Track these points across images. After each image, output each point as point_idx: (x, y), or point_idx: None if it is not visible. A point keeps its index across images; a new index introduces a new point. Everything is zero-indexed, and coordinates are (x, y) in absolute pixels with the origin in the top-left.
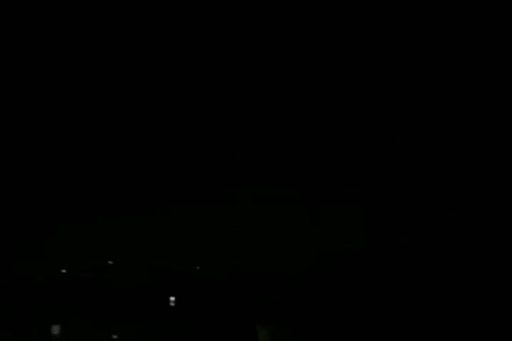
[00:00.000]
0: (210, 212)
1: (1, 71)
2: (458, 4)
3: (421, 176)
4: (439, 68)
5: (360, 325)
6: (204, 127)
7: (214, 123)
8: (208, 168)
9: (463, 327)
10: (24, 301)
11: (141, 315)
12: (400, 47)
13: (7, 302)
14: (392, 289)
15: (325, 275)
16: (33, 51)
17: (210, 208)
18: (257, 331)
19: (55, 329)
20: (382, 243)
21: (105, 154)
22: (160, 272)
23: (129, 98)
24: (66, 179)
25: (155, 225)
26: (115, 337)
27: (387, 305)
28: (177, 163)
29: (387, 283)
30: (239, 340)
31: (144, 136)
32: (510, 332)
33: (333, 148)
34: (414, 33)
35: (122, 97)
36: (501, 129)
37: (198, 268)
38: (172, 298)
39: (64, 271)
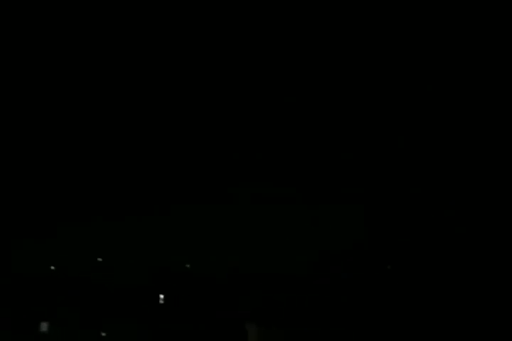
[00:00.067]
0: (210, 212)
1: (1, 71)
2: (458, 4)
3: (421, 176)
4: (439, 68)
5: (357, 324)
6: (204, 127)
7: (214, 123)
8: (208, 168)
9: (463, 327)
10: (13, 299)
11: (130, 313)
12: (400, 47)
13: None
14: (392, 289)
15: (324, 275)
16: (34, 51)
17: (210, 208)
18: (247, 329)
19: (44, 326)
20: (382, 243)
21: (105, 154)
22: (153, 270)
23: (129, 99)
24: (64, 179)
25: (154, 225)
26: (104, 334)
27: (386, 304)
28: (177, 163)
29: (386, 283)
30: (228, 338)
31: (144, 136)
32: (511, 332)
33: (333, 148)
34: (414, 34)
35: (122, 98)
36: (501, 129)
37: (187, 266)
38: (161, 296)
39: (53, 267)
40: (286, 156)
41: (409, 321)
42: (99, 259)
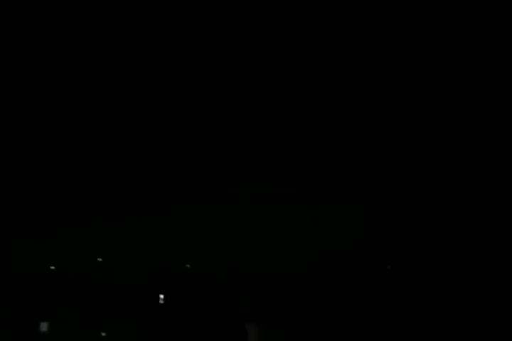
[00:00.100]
0: (210, 212)
1: (1, 71)
2: (458, 4)
3: (421, 176)
4: (439, 68)
5: (357, 324)
6: (204, 127)
7: (214, 123)
8: (208, 168)
9: (463, 327)
10: (13, 299)
11: (130, 313)
12: (400, 47)
13: None
14: (392, 289)
15: (324, 275)
16: (34, 52)
17: (210, 208)
18: (247, 329)
19: (44, 326)
20: (382, 243)
21: (105, 154)
22: (153, 270)
23: (129, 99)
24: (64, 179)
25: (154, 225)
26: (104, 334)
27: (386, 304)
28: (177, 163)
29: (386, 283)
30: (228, 338)
31: (144, 136)
32: (511, 332)
33: (333, 148)
34: (414, 34)
35: (122, 98)
36: (501, 129)
37: (188, 266)
38: (161, 296)
39: (53, 267)
40: (286, 156)
41: (409, 321)
42: (99, 259)
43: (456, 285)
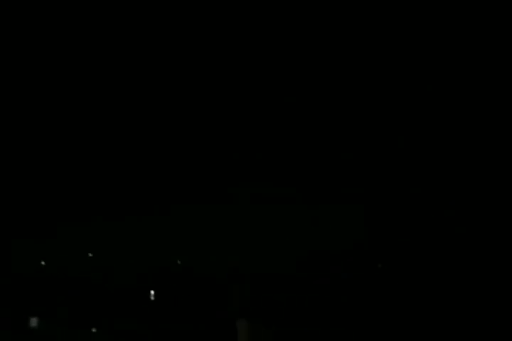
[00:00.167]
0: (210, 212)
1: (1, 71)
2: (458, 4)
3: (421, 176)
4: (439, 68)
5: (354, 324)
6: (204, 127)
7: (214, 123)
8: (208, 168)
9: (463, 327)
10: (1, 294)
11: (121, 309)
12: (400, 47)
13: None
14: (392, 289)
15: (324, 276)
16: (34, 52)
17: (210, 208)
18: (237, 326)
19: (33, 322)
20: (382, 243)
21: (105, 154)
22: (152, 270)
23: (129, 99)
24: (64, 179)
25: (154, 225)
26: (94, 330)
27: (385, 304)
28: (177, 163)
29: (386, 283)
30: (219, 335)
31: (144, 136)
32: (511, 332)
33: (333, 148)
34: (414, 34)
35: (122, 98)
36: (501, 129)
37: (179, 262)
38: (152, 292)
39: (43, 263)
40: (286, 156)
41: (407, 321)
42: (90, 255)
43: (457, 285)
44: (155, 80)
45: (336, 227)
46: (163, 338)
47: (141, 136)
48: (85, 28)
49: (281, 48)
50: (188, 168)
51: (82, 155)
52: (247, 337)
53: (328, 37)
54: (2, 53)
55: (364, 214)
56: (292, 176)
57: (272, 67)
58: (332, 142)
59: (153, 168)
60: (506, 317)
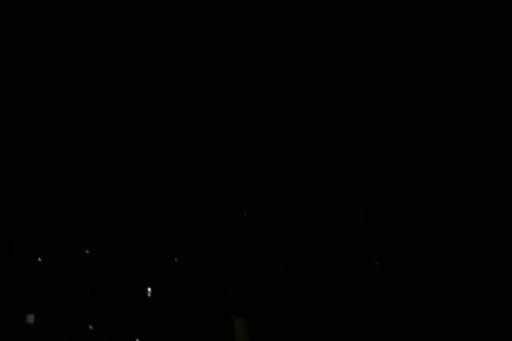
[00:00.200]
0: (210, 212)
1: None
2: (458, 4)
3: (421, 176)
4: (439, 68)
5: (347, 322)
6: (204, 127)
7: (214, 123)
8: (208, 168)
9: (463, 327)
10: None
11: (118, 306)
12: (400, 47)
13: None
14: (392, 289)
15: (324, 276)
16: (34, 51)
17: (210, 208)
18: (234, 324)
19: (30, 319)
20: (382, 243)
21: (104, 154)
22: (151, 270)
23: (128, 98)
24: (63, 178)
25: (153, 225)
26: (91, 327)
27: (386, 305)
28: (177, 163)
29: (386, 283)
30: (216, 333)
31: (144, 136)
32: (511, 332)
33: (333, 148)
34: (414, 33)
35: (121, 98)
36: (501, 129)
37: (176, 259)
38: (149, 289)
39: (39, 259)
40: (286, 156)
41: (407, 321)
42: (87, 252)
43: (457, 285)
44: (155, 80)
45: (336, 227)
46: (161, 336)
47: (140, 135)
48: (85, 28)
49: (281, 48)
50: (187, 168)
51: (82, 155)
52: (245, 336)
53: (328, 37)
54: (2, 53)
55: (364, 214)
56: (292, 176)
57: (272, 67)
58: (332, 142)
59: (153, 168)
60: (506, 317)
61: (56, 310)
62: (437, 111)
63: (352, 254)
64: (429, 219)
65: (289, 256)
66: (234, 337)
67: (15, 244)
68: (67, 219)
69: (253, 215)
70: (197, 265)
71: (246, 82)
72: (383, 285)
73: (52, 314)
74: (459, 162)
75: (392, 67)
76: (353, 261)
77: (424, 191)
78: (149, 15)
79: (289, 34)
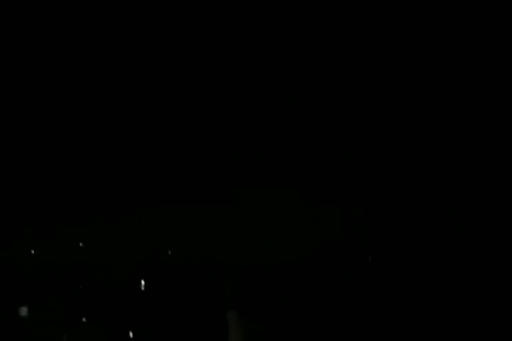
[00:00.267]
0: (210, 212)
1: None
2: (458, 4)
3: (421, 176)
4: (439, 68)
5: (342, 318)
6: (204, 127)
7: (214, 123)
8: (208, 167)
9: (463, 327)
10: None
11: (111, 299)
12: (400, 47)
13: None
14: (392, 289)
15: (324, 276)
16: (34, 51)
17: (210, 208)
18: (228, 319)
19: (23, 311)
20: (382, 243)
21: (104, 154)
22: (151, 270)
23: (128, 98)
24: (62, 177)
25: (153, 225)
26: (84, 319)
27: (386, 305)
28: (177, 162)
29: (386, 284)
30: (210, 327)
31: (144, 136)
32: (510, 332)
33: (333, 148)
34: (414, 34)
35: (121, 97)
36: (501, 129)
37: (169, 253)
38: (143, 283)
39: (32, 252)
40: (286, 156)
41: (407, 321)
42: (81, 244)
43: (457, 285)
44: (155, 80)
45: (336, 227)
46: (154, 329)
47: (140, 135)
48: (85, 28)
49: (281, 48)
50: (187, 168)
51: (81, 155)
52: (238, 330)
53: (327, 37)
54: (2, 53)
55: (364, 214)
56: (292, 176)
57: (271, 67)
58: (332, 142)
59: (153, 168)
60: (506, 317)
61: (48, 302)
62: (437, 111)
63: (352, 254)
64: (429, 219)
65: (289, 255)
66: (228, 333)
67: (14, 243)
68: (66, 217)
69: (253, 215)
70: (197, 265)
71: (246, 82)
72: (383, 285)
73: (47, 309)
74: (459, 162)
75: (392, 67)
76: (353, 261)
77: (424, 191)
78: (149, 15)
79: (289, 34)
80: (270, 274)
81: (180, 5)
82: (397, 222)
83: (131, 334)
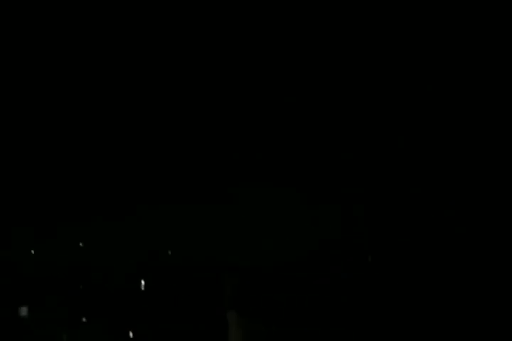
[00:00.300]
0: (210, 212)
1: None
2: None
3: (421, 176)
4: (439, 68)
5: (341, 317)
6: (204, 127)
7: (214, 123)
8: (208, 168)
9: (463, 328)
10: None
11: (112, 299)
12: (400, 47)
13: None
14: (392, 290)
15: (324, 275)
16: (34, 51)
17: (210, 208)
18: (228, 319)
19: (23, 311)
20: (382, 243)
21: (104, 154)
22: (149, 270)
23: (128, 98)
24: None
25: (153, 225)
26: (84, 319)
27: (386, 305)
28: (177, 162)
29: (386, 284)
30: (210, 327)
31: (144, 136)
32: (510, 332)
33: (333, 148)
34: (414, 34)
35: (121, 97)
36: (501, 129)
37: (169, 253)
38: (142, 282)
39: (32, 252)
40: (286, 156)
41: (407, 321)
42: (81, 244)
43: (457, 285)
44: (155, 80)
45: (336, 227)
46: (153, 329)
47: (140, 135)
48: (85, 28)
49: (281, 48)
50: (188, 168)
51: (81, 155)
52: (238, 330)
53: (327, 37)
54: (2, 53)
55: (364, 214)
56: (292, 176)
57: (271, 67)
58: (332, 142)
59: (153, 168)
60: (505, 316)
61: (48, 302)
62: (437, 111)
63: (352, 254)
64: (429, 219)
65: (289, 255)
66: (228, 333)
67: (14, 243)
68: (66, 217)
69: (253, 215)
70: (197, 265)
71: (246, 82)
72: (383, 285)
73: (47, 309)
74: (459, 162)
75: (392, 67)
76: (353, 261)
77: (424, 191)
78: (149, 15)
79: (288, 34)
80: (270, 274)
81: (180, 6)
82: (396, 222)
83: (131, 334)
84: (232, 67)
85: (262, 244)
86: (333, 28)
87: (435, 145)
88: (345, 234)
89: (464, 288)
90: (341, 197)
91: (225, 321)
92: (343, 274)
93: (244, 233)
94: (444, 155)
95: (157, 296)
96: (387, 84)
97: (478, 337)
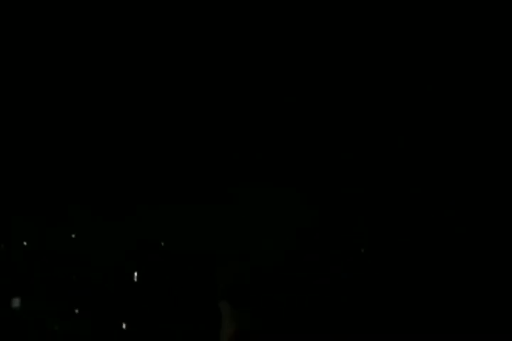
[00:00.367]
0: (210, 212)
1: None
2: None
3: (421, 176)
4: (439, 68)
5: (336, 312)
6: (204, 127)
7: (214, 123)
8: (208, 167)
9: (463, 328)
10: None
11: (104, 290)
12: (400, 47)
13: None
14: (392, 289)
15: (324, 276)
16: (33, 51)
17: (210, 208)
18: (221, 308)
19: (16, 302)
20: (382, 243)
21: (104, 154)
22: (149, 270)
23: (128, 98)
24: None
25: (153, 225)
26: (77, 311)
27: (386, 305)
28: (176, 162)
29: (386, 284)
30: (202, 317)
31: (144, 136)
32: (510, 332)
33: (333, 148)
34: (414, 34)
35: (121, 97)
36: (502, 129)
37: (162, 244)
38: (135, 274)
39: (25, 243)
40: (286, 156)
41: (407, 321)
42: (73, 235)
43: (457, 285)
44: (155, 80)
45: (335, 227)
46: (146, 319)
47: (140, 135)
48: (85, 28)
49: (281, 48)
50: (187, 168)
51: (81, 155)
52: (231, 319)
53: (327, 37)
54: (2, 53)
55: (363, 214)
56: (292, 176)
57: (271, 67)
58: (332, 142)
59: (153, 168)
60: (505, 316)
61: (41, 293)
62: (437, 111)
63: (352, 254)
64: (429, 219)
65: (289, 255)
66: (220, 320)
67: (6, 234)
68: (59, 207)
69: (253, 215)
70: (197, 265)
71: (246, 81)
72: (383, 285)
73: (40, 301)
74: (459, 162)
75: (392, 67)
76: (353, 261)
77: (424, 191)
78: (149, 14)
79: (288, 34)
80: (270, 274)
81: (179, 5)
82: (397, 222)
83: (124, 326)
84: (232, 67)
85: (262, 244)
86: (333, 28)
87: (435, 146)
88: (345, 234)
89: (465, 290)
90: (341, 197)
91: (218, 312)
92: (343, 274)
93: (243, 233)
94: (444, 155)
95: (150, 288)
96: (387, 84)
97: (478, 337)
